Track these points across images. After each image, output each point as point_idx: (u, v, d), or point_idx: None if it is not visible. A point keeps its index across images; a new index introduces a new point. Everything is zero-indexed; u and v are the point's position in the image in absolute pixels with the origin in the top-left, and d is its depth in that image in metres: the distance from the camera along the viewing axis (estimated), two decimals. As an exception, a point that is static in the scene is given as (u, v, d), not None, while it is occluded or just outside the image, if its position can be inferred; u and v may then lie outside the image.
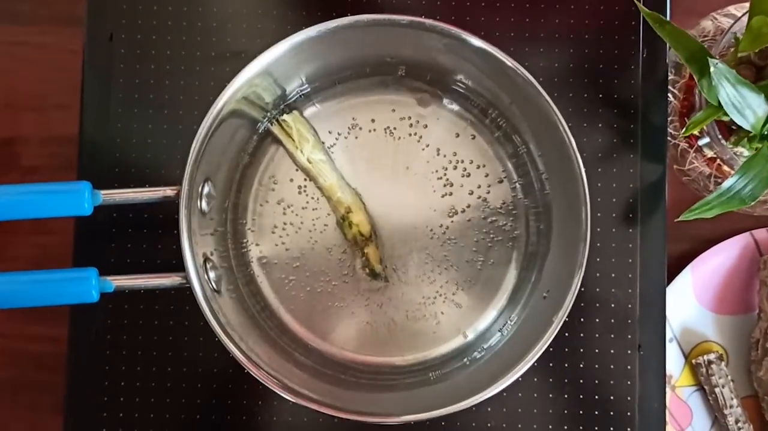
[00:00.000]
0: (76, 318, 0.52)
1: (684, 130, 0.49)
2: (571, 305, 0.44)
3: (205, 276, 0.44)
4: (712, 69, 0.44)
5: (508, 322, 0.50)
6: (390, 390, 0.48)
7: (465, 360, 0.49)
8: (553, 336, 0.43)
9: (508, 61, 0.45)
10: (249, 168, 0.51)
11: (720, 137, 0.51)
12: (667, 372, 0.59)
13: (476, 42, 0.45)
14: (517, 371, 0.43)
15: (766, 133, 0.45)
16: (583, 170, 0.44)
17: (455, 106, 0.52)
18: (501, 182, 0.52)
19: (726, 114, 0.45)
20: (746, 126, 0.45)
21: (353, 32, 0.44)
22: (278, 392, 0.43)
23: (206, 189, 0.45)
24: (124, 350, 0.52)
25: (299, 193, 0.51)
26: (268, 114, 0.50)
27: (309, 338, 0.50)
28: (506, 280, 0.51)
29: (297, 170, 0.51)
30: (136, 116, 0.53)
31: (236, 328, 0.44)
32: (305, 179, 0.51)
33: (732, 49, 0.51)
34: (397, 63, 0.50)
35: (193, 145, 0.43)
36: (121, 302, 0.52)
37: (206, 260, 0.45)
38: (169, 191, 0.43)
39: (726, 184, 0.45)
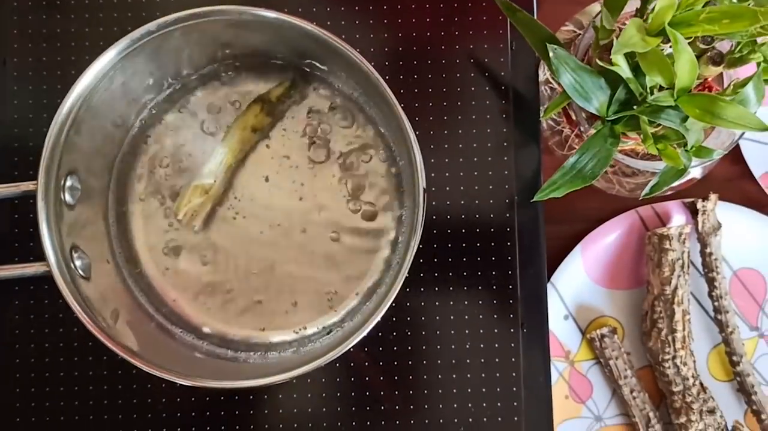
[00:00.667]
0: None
1: (543, 113, 0.51)
2: (410, 262, 0.45)
3: (71, 264, 0.46)
4: (551, 55, 0.46)
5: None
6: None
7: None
8: (396, 293, 0.45)
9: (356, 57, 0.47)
10: (127, 162, 0.54)
11: (587, 121, 0.54)
12: (566, 348, 0.62)
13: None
14: (362, 331, 0.45)
15: (611, 116, 0.48)
16: (415, 143, 0.46)
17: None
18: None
19: (578, 99, 0.47)
20: (591, 109, 0.47)
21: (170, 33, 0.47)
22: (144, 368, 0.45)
23: (69, 182, 0.48)
24: (32, 372, 0.55)
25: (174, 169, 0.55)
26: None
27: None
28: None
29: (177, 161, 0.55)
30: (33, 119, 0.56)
31: (110, 311, 0.47)
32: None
33: (594, 39, 0.53)
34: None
35: (46, 141, 0.46)
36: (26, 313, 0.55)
37: (73, 249, 0.48)
38: (30, 186, 0.46)
39: (568, 163, 0.47)
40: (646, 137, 0.46)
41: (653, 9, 0.42)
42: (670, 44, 0.42)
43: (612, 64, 0.45)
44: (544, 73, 0.59)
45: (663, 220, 0.62)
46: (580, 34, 0.58)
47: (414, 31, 0.56)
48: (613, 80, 0.47)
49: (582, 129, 0.56)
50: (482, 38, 0.56)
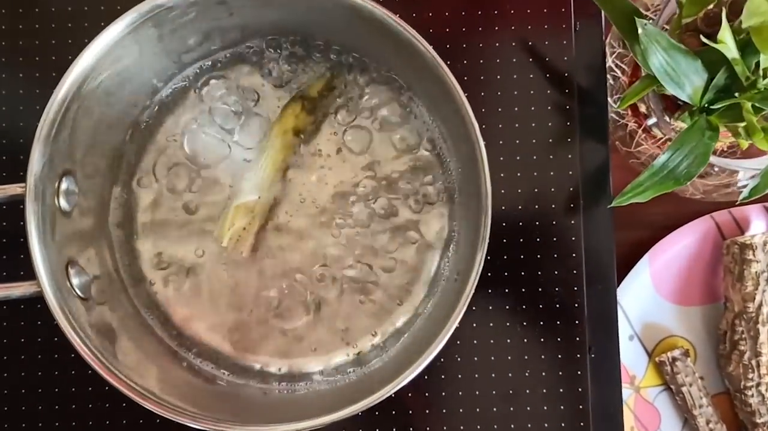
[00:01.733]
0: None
1: (619, 103, 0.44)
2: (476, 280, 0.38)
3: (67, 283, 0.39)
4: (640, 31, 0.39)
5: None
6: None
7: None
8: (461, 316, 0.38)
9: (415, 38, 0.40)
10: (131, 163, 0.46)
11: (665, 112, 0.46)
12: (631, 372, 0.55)
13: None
14: (431, 352, 0.38)
15: (705, 105, 0.40)
16: (480, 136, 0.39)
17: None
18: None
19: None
20: (683, 97, 0.40)
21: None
22: (148, 407, 0.38)
23: (65, 185, 0.41)
24: (23, 404, 0.47)
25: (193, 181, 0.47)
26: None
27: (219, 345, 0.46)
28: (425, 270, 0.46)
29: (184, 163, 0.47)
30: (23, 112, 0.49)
31: (112, 336, 0.40)
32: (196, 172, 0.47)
33: (676, 16, 0.46)
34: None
35: (36, 136, 0.38)
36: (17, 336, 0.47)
37: (70, 264, 0.40)
38: (19, 189, 0.39)
39: (658, 162, 0.40)
40: (752, 128, 0.39)
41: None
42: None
43: (716, 41, 0.37)
44: (606, 60, 0.52)
45: (741, 226, 0.55)
46: (647, 16, 0.51)
47: (462, 8, 0.49)
48: (711, 63, 0.40)
49: (653, 123, 0.49)
50: (541, 18, 0.49)
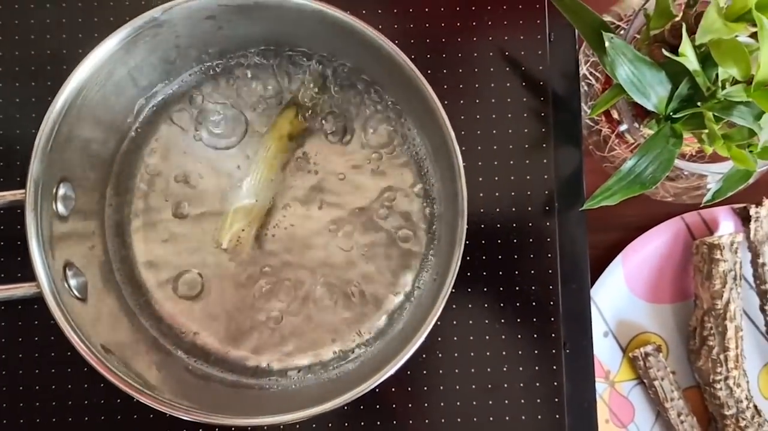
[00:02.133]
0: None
1: (591, 111, 0.46)
2: (454, 279, 0.40)
3: (65, 284, 0.41)
4: (607, 44, 0.41)
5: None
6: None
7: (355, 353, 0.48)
8: (439, 313, 0.40)
9: (394, 52, 0.42)
10: (125, 169, 0.48)
11: (635, 119, 0.49)
12: (605, 367, 0.57)
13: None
14: (411, 347, 0.40)
15: (670, 113, 0.43)
16: (455, 143, 0.41)
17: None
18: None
19: (631, 94, 0.42)
20: (648, 106, 0.42)
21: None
22: (143, 401, 0.40)
23: (62, 191, 0.43)
24: (21, 401, 0.49)
25: (187, 187, 0.49)
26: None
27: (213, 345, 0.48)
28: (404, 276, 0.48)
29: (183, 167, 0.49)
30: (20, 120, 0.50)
31: (108, 335, 0.42)
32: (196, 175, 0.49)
33: (644, 28, 0.48)
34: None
35: (36, 143, 0.40)
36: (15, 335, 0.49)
37: (67, 266, 0.42)
38: (18, 195, 0.41)
39: (625, 167, 0.42)
40: (713, 136, 0.41)
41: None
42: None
43: (676, 54, 0.40)
44: (580, 68, 0.54)
45: (711, 227, 0.57)
46: (619, 25, 0.53)
47: (442, 20, 0.51)
48: (675, 74, 0.42)
49: (625, 129, 0.51)
50: (518, 29, 0.51)
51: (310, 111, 0.48)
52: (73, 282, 0.42)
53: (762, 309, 0.56)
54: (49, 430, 0.48)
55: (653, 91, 0.42)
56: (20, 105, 0.50)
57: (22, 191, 0.40)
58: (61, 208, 0.42)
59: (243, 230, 0.47)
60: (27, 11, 0.51)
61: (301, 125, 0.48)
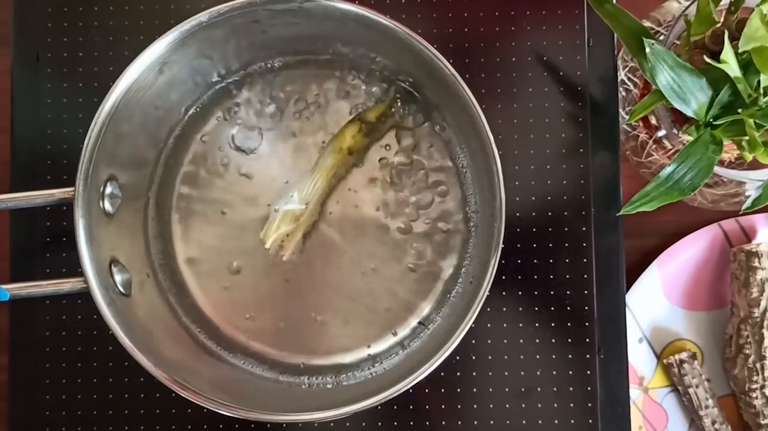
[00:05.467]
0: (17, 346, 0.50)
1: (629, 117, 0.46)
2: (490, 283, 0.41)
3: (110, 280, 0.42)
4: (647, 50, 0.41)
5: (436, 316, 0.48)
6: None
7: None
8: (475, 316, 0.41)
9: (435, 56, 0.43)
10: (169, 169, 0.50)
11: (674, 125, 0.49)
12: (639, 374, 0.57)
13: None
14: (446, 349, 0.41)
15: (710, 120, 0.42)
16: (494, 146, 0.42)
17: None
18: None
19: (671, 100, 0.42)
20: (688, 112, 0.42)
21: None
22: (184, 395, 0.41)
23: (109, 189, 0.44)
24: (64, 378, 0.50)
25: (226, 189, 0.50)
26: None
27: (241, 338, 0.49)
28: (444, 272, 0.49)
29: (224, 164, 0.50)
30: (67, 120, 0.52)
31: (150, 331, 0.43)
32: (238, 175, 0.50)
33: (685, 34, 0.48)
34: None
35: (85, 143, 0.41)
36: (59, 329, 0.50)
37: (113, 263, 0.43)
38: (67, 193, 0.42)
39: (664, 173, 0.42)
40: (754, 143, 0.41)
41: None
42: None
43: (717, 60, 0.40)
44: (618, 74, 0.54)
45: (749, 235, 0.56)
46: (659, 31, 0.53)
47: (481, 25, 0.52)
48: (716, 80, 0.42)
49: (663, 135, 0.51)
50: (556, 34, 0.51)
51: (374, 129, 0.49)
52: (118, 278, 0.43)
53: (800, 318, 0.56)
54: (89, 422, 0.50)
55: (693, 97, 0.42)
56: (67, 106, 0.51)
57: (71, 189, 0.41)
58: (108, 206, 0.44)
59: (287, 235, 0.48)
60: (76, 13, 0.52)
61: (362, 142, 0.49)
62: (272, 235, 0.48)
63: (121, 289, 0.43)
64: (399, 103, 0.50)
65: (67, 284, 0.42)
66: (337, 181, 0.49)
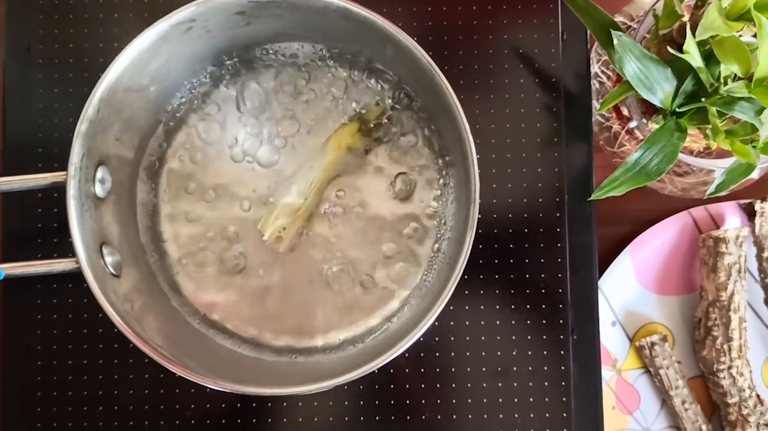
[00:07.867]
0: (8, 329, 0.52)
1: (600, 106, 0.48)
2: (465, 262, 0.43)
3: (101, 261, 0.44)
4: (615, 42, 0.43)
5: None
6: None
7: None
8: (449, 294, 0.43)
9: (413, 47, 0.44)
10: (162, 154, 0.51)
11: (644, 116, 0.51)
12: (613, 356, 0.59)
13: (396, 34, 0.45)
14: (422, 326, 0.43)
15: (675, 109, 0.45)
16: (470, 135, 0.44)
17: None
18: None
19: (639, 90, 0.44)
20: (655, 101, 0.44)
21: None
22: (172, 369, 0.43)
23: (100, 174, 0.45)
24: (55, 360, 0.52)
25: (216, 177, 0.52)
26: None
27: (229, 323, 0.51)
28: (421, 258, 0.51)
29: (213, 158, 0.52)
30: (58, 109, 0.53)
31: (139, 310, 0.44)
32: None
33: (653, 27, 0.50)
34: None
35: (77, 129, 0.43)
36: (50, 312, 0.52)
37: (103, 244, 0.45)
38: (59, 177, 0.43)
39: (631, 158, 0.44)
40: (716, 130, 0.43)
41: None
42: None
43: (682, 52, 0.42)
44: (592, 67, 0.56)
45: (717, 222, 0.59)
46: (630, 25, 0.55)
47: (460, 19, 0.53)
48: (681, 70, 0.44)
49: (635, 125, 0.53)
50: (532, 28, 0.53)
51: (373, 130, 0.51)
52: (108, 260, 0.45)
53: (766, 302, 0.58)
54: (82, 403, 0.51)
55: (659, 87, 0.44)
56: (59, 95, 0.53)
57: (63, 173, 0.43)
58: (98, 190, 0.45)
59: (284, 228, 0.50)
60: (67, 5, 0.53)
61: (361, 141, 0.51)
62: (270, 227, 0.49)
63: (111, 270, 0.44)
64: (389, 98, 0.51)
65: (59, 264, 0.44)
66: (335, 176, 0.51)
